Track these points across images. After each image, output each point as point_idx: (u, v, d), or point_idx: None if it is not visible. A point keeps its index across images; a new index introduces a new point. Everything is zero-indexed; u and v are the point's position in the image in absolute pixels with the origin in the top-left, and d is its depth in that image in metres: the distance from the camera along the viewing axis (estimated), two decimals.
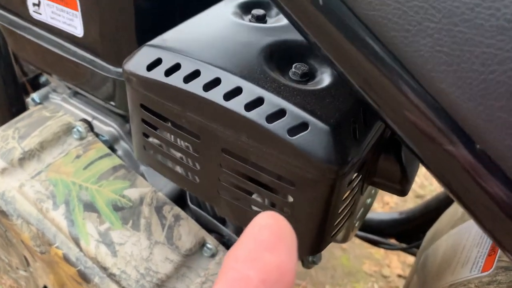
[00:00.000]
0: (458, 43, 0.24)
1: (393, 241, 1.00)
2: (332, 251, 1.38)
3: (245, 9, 0.48)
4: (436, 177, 0.31)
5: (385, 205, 1.57)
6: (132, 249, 0.56)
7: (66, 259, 0.56)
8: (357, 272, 1.35)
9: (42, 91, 0.74)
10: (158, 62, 0.41)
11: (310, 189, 0.37)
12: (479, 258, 0.52)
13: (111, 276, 0.54)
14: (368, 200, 0.62)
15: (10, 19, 0.65)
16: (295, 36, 0.43)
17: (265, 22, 0.47)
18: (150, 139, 0.47)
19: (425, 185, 1.64)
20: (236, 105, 0.37)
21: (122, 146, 0.68)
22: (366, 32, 0.28)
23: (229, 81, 0.38)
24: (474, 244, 0.56)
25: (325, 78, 0.40)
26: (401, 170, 0.44)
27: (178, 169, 0.47)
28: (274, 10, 0.49)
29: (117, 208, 0.59)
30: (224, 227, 0.63)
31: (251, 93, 0.38)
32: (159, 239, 0.57)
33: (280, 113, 0.37)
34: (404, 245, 0.97)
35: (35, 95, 0.73)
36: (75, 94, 0.72)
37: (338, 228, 0.43)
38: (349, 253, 1.39)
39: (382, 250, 1.38)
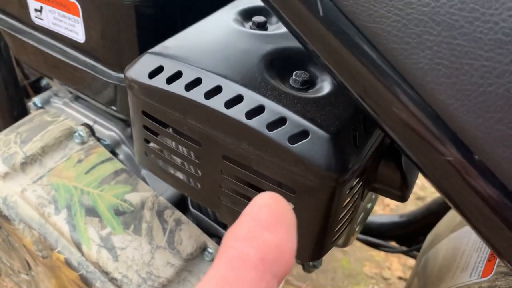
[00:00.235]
0: (457, 56, 0.25)
1: (393, 244, 1.00)
2: (333, 254, 1.38)
3: (246, 16, 0.49)
4: (434, 186, 0.32)
5: (386, 207, 1.57)
6: (134, 253, 0.56)
7: (68, 263, 0.57)
8: (357, 274, 1.35)
9: (44, 95, 0.75)
10: (159, 69, 0.41)
11: (310, 196, 0.38)
12: (479, 263, 0.53)
13: (113, 280, 0.55)
14: (369, 205, 0.63)
15: (12, 24, 0.65)
16: (296, 43, 0.44)
17: (266, 29, 0.47)
18: (151, 145, 0.47)
19: (426, 187, 1.65)
20: (237, 113, 0.38)
21: (124, 150, 0.68)
22: (366, 43, 0.28)
23: (230, 89, 0.39)
24: (474, 249, 0.56)
25: (325, 86, 0.41)
26: (401, 177, 0.44)
27: (179, 175, 0.48)
28: (275, 18, 0.49)
29: (118, 212, 0.59)
30: (225, 231, 0.63)
31: (252, 101, 0.38)
32: (160, 243, 0.58)
33: (280, 121, 0.37)
34: (404, 248, 0.97)
35: (36, 99, 0.74)
36: (77, 98, 0.72)
37: (338, 234, 0.44)
38: (350, 256, 1.39)
39: (382, 253, 1.39)
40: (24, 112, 0.84)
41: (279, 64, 0.42)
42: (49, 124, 0.66)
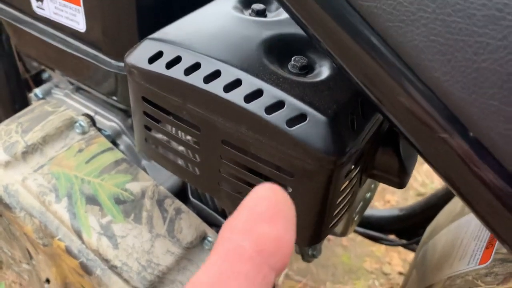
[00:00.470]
0: (451, 33, 0.25)
1: (393, 237, 1.00)
2: (333, 249, 1.38)
3: (245, 3, 0.49)
4: (433, 168, 0.32)
5: (386, 203, 1.57)
6: (134, 241, 0.57)
7: (68, 251, 0.57)
8: (357, 269, 1.35)
9: (45, 86, 0.75)
10: (159, 55, 0.42)
11: (308, 180, 0.38)
12: (477, 251, 0.53)
13: (113, 268, 0.55)
14: (368, 195, 0.63)
15: (13, 14, 0.66)
16: (294, 30, 0.44)
17: (265, 16, 0.47)
18: (152, 132, 0.48)
19: (427, 183, 1.65)
20: (236, 96, 0.38)
21: (124, 140, 0.69)
22: (361, 23, 0.28)
23: (229, 73, 0.39)
24: (472, 238, 0.56)
25: (323, 71, 0.41)
26: (399, 163, 0.44)
27: (179, 161, 0.48)
28: (274, 5, 0.49)
29: (119, 201, 0.59)
30: (225, 220, 0.64)
31: (251, 85, 0.38)
32: (160, 232, 0.58)
33: (279, 105, 0.37)
34: (404, 241, 0.97)
35: (37, 91, 0.74)
36: (78, 89, 0.73)
37: (336, 219, 0.44)
38: (350, 251, 1.39)
39: (383, 248, 1.39)
40: (25, 105, 0.84)
41: (278, 49, 0.43)
42: (50, 114, 0.67)
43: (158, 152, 0.49)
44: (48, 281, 0.68)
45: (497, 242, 0.51)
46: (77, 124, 0.65)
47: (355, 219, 0.63)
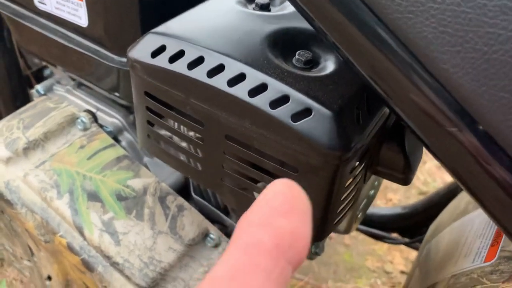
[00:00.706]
0: (461, 24, 0.24)
1: (395, 235, 1.00)
2: (335, 247, 1.38)
3: None
4: (441, 162, 0.31)
5: (388, 202, 1.57)
6: (136, 238, 0.56)
7: (70, 248, 0.57)
8: (359, 268, 1.35)
9: (46, 82, 0.75)
10: (162, 49, 0.41)
11: (313, 175, 0.38)
12: (482, 248, 0.52)
13: (115, 265, 0.55)
14: (371, 192, 0.62)
15: (14, 9, 0.65)
16: (299, 24, 0.43)
17: (269, 10, 0.47)
18: (154, 128, 0.47)
19: (429, 182, 1.64)
20: (240, 91, 0.38)
21: (126, 137, 0.68)
22: (369, 14, 0.28)
23: (233, 68, 0.38)
24: (477, 235, 0.56)
25: (328, 65, 0.41)
26: (404, 159, 0.44)
27: (182, 157, 0.48)
28: None
29: (120, 198, 0.59)
30: (227, 217, 0.63)
31: (255, 79, 0.38)
32: (162, 228, 0.58)
33: (283, 99, 0.37)
34: (407, 240, 0.97)
35: (39, 87, 0.74)
36: (79, 85, 0.72)
37: (340, 215, 0.43)
38: (352, 249, 1.39)
39: (385, 247, 1.38)
40: (27, 101, 0.84)
41: (282, 44, 0.42)
42: (52, 110, 0.66)
43: (161, 148, 0.49)
44: (49, 278, 0.67)
45: (503, 240, 0.51)
46: (79, 120, 0.65)
47: (359, 216, 0.62)
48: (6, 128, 0.64)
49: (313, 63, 0.41)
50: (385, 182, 0.48)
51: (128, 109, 0.68)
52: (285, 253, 0.17)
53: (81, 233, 0.56)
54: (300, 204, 0.18)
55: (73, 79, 0.73)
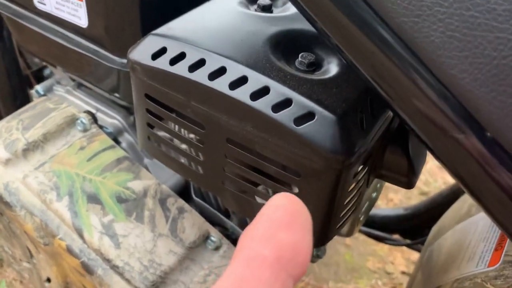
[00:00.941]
0: (470, 28, 0.24)
1: (397, 237, 0.99)
2: (336, 248, 1.37)
3: None
4: (446, 167, 0.31)
5: (389, 202, 1.56)
6: (136, 241, 0.56)
7: (69, 250, 0.56)
8: (360, 268, 1.34)
9: (46, 83, 0.74)
10: (163, 51, 0.41)
11: (315, 180, 0.37)
12: (486, 252, 0.52)
13: (114, 268, 0.54)
14: (374, 194, 0.62)
15: (14, 9, 0.65)
16: (301, 25, 0.43)
17: (271, 12, 0.46)
18: (155, 130, 0.47)
19: (430, 182, 1.64)
20: (242, 94, 0.37)
21: (126, 138, 0.68)
22: (375, 18, 0.27)
23: (235, 70, 0.38)
24: (481, 239, 0.55)
25: (331, 68, 0.40)
26: (408, 163, 0.43)
27: (183, 159, 0.47)
28: (280, 0, 0.48)
29: (121, 200, 0.59)
30: (228, 220, 0.63)
31: (257, 82, 0.37)
32: (163, 231, 0.57)
33: (286, 103, 0.36)
34: (408, 241, 0.96)
35: (39, 87, 0.73)
36: (79, 86, 0.72)
37: (343, 220, 0.43)
38: (353, 250, 1.39)
39: (386, 247, 1.38)
40: (27, 101, 0.83)
41: (284, 46, 0.41)
42: (52, 111, 0.66)
43: (161, 150, 0.48)
44: (48, 280, 0.67)
45: (507, 244, 0.50)
46: (79, 121, 0.64)
47: (361, 219, 0.62)
48: (5, 129, 0.63)
49: (316, 65, 0.40)
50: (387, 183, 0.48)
51: (128, 110, 0.68)
52: (286, 266, 0.17)
53: (81, 236, 0.56)
54: (301, 217, 0.18)
55: (73, 80, 0.72)
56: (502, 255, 0.49)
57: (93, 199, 0.58)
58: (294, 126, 0.35)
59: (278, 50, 0.41)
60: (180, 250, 0.56)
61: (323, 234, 0.41)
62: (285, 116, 0.36)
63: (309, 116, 0.35)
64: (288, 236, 0.18)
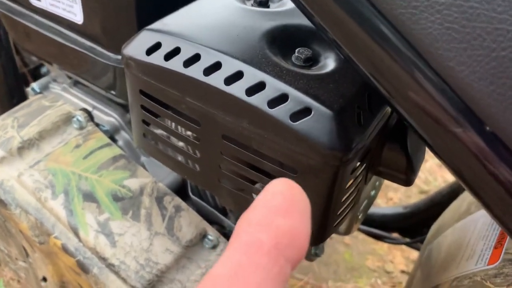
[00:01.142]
0: (468, 19, 0.23)
1: (396, 235, 0.98)
2: (335, 247, 1.37)
3: None
4: (444, 163, 0.30)
5: (389, 201, 1.56)
6: (132, 239, 0.55)
7: (65, 249, 0.56)
8: (360, 267, 1.34)
9: (42, 80, 0.74)
10: (157, 46, 0.40)
11: (312, 177, 0.36)
12: (485, 251, 0.51)
13: (110, 266, 0.54)
14: (372, 192, 0.61)
15: (9, 6, 0.64)
16: (298, 20, 0.42)
17: (267, 6, 0.45)
18: (150, 127, 0.46)
19: (430, 180, 1.63)
20: (237, 89, 0.36)
21: (123, 136, 0.67)
22: (372, 10, 0.27)
23: (230, 65, 0.37)
24: (480, 237, 0.54)
25: (329, 63, 0.39)
26: (406, 160, 0.43)
27: (179, 157, 0.46)
28: None
29: (117, 198, 0.58)
30: (225, 218, 0.62)
31: (253, 77, 0.37)
32: (159, 230, 0.56)
33: (282, 98, 0.36)
34: (407, 240, 0.96)
35: (35, 85, 0.73)
36: (76, 83, 0.71)
37: (341, 217, 0.42)
38: (352, 249, 1.38)
39: (385, 246, 1.37)
40: (23, 99, 0.83)
41: (281, 41, 0.41)
42: (47, 109, 0.65)
43: (157, 148, 0.48)
44: (44, 279, 0.66)
45: (507, 242, 0.49)
46: (75, 119, 0.64)
47: (359, 217, 0.61)
48: (0, 127, 0.63)
49: (312, 61, 0.40)
50: (386, 181, 0.47)
51: (124, 108, 0.67)
52: (284, 251, 0.17)
53: (76, 234, 0.55)
54: (299, 203, 0.18)
55: (70, 77, 0.72)
56: (502, 253, 0.49)
57: (89, 197, 0.57)
58: (291, 122, 0.35)
59: (274, 45, 0.40)
60: (177, 249, 0.56)
61: (320, 232, 0.41)
62: (281, 112, 0.35)
63: (305, 111, 0.35)
64: (286, 222, 0.17)
